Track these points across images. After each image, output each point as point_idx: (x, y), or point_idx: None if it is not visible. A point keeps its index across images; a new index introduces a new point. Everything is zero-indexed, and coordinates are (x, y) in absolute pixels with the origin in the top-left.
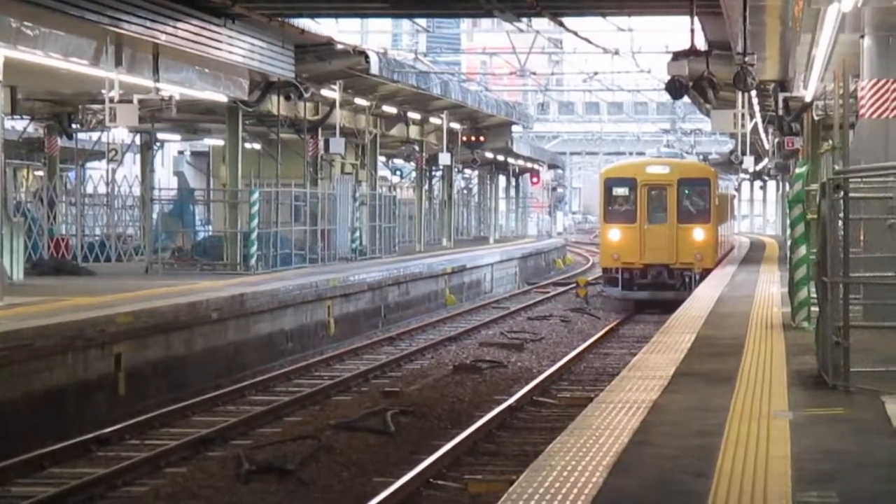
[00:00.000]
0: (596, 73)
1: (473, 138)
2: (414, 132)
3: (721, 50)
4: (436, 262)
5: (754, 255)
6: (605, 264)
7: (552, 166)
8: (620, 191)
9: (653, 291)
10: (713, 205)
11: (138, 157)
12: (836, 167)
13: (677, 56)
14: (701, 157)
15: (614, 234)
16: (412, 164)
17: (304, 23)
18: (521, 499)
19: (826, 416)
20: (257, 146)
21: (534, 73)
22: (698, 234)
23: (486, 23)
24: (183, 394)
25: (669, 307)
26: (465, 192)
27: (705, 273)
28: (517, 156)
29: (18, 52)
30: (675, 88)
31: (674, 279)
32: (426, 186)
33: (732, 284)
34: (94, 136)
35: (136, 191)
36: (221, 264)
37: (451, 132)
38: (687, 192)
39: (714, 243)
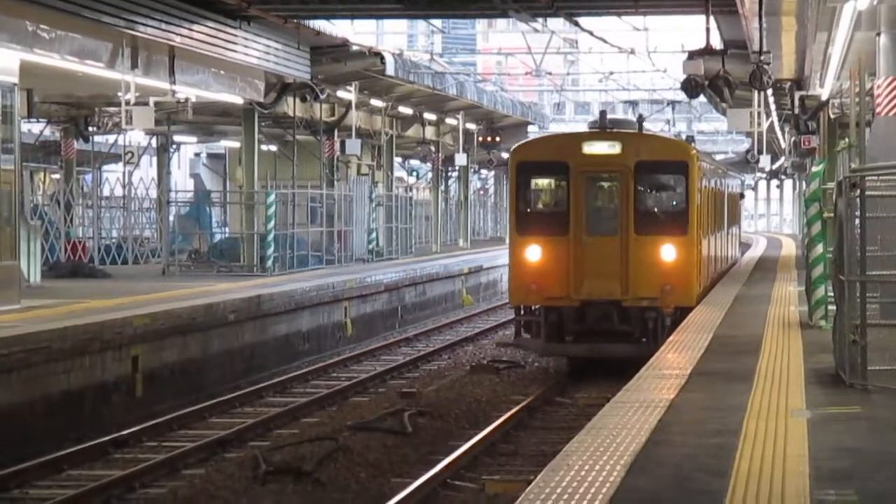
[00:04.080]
0: (612, 73)
1: (489, 139)
2: (430, 133)
3: (737, 49)
4: (452, 262)
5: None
6: (518, 300)
7: None
8: (542, 182)
9: (594, 344)
10: (693, 204)
11: (154, 159)
12: (853, 165)
13: (693, 55)
14: (682, 134)
15: (533, 252)
16: (428, 164)
17: (320, 24)
18: (538, 498)
19: (843, 414)
20: (273, 148)
21: (549, 73)
22: (668, 251)
23: (501, 23)
24: (200, 395)
25: (624, 369)
26: (481, 192)
27: (682, 313)
28: None
29: (35, 55)
30: (691, 87)
31: (628, 324)
32: (442, 187)
33: (747, 285)
34: (111, 138)
35: (153, 193)
36: (238, 266)
37: (467, 133)
38: (650, 183)
39: (694, 265)
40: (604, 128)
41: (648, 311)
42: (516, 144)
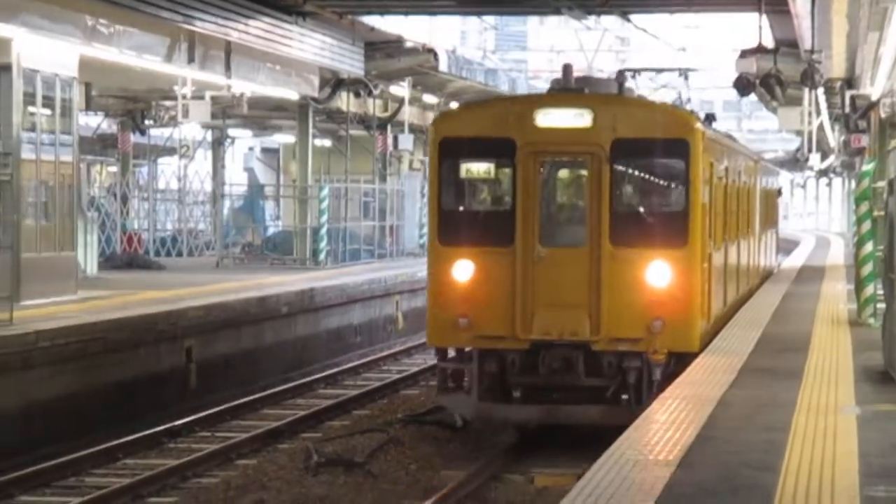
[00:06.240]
0: (662, 71)
1: None
2: None
3: (788, 48)
4: None
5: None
6: (440, 340)
7: None
8: (476, 168)
9: (551, 406)
10: (697, 202)
11: (209, 153)
12: None
13: (745, 53)
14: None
15: (462, 269)
16: None
17: (374, 20)
18: (588, 492)
19: (893, 411)
20: (327, 143)
21: (601, 71)
22: (658, 271)
23: (553, 20)
24: (253, 387)
25: (592, 438)
26: None
27: (678, 361)
28: None
29: (93, 50)
30: (743, 86)
31: (600, 376)
32: None
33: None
34: (167, 132)
35: (207, 186)
36: (291, 259)
37: None
38: (634, 171)
39: (697, 291)
40: (568, 89)
41: (630, 359)
42: (442, 111)
